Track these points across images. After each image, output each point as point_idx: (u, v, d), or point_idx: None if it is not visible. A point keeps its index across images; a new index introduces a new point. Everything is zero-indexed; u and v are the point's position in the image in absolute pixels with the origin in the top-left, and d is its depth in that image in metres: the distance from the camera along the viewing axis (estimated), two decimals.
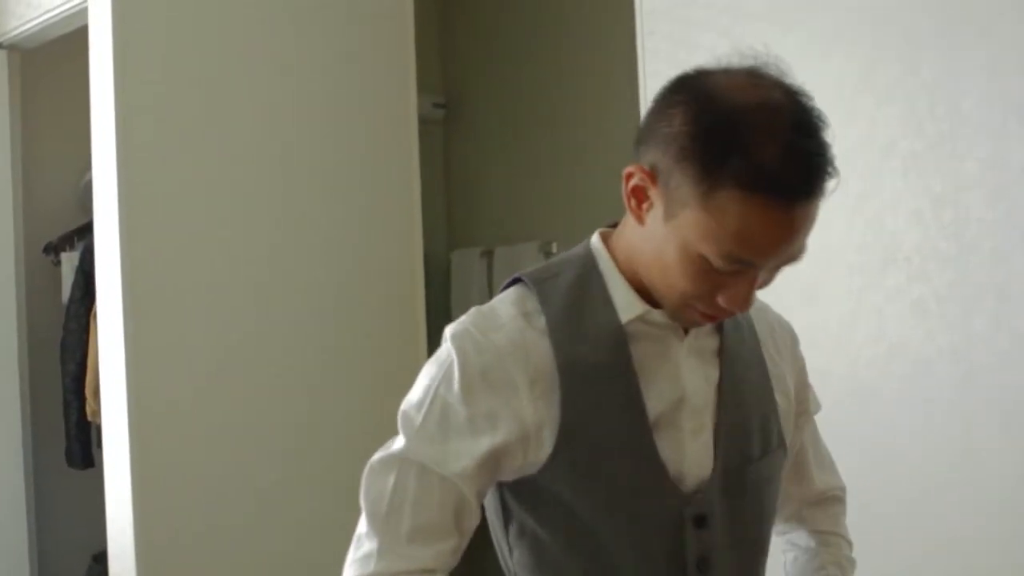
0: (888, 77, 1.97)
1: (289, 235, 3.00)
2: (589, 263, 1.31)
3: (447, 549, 1.26)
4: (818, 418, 2.03)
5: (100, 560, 3.41)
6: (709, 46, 2.28)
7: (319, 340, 3.02)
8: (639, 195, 1.21)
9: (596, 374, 1.24)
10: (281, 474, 2.92)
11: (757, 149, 1.10)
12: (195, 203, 2.84)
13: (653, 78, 2.40)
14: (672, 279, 1.20)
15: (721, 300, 1.20)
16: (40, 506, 3.84)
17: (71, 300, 3.67)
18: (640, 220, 1.22)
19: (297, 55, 3.06)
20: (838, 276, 2.05)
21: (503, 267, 3.83)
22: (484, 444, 1.23)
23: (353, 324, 3.08)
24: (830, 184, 1.12)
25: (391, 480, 1.25)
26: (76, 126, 3.15)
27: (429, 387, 1.26)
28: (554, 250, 3.67)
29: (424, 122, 3.59)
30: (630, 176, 1.20)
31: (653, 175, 1.18)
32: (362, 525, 1.27)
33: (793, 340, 1.46)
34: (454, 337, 1.26)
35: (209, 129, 2.87)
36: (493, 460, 1.24)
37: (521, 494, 1.29)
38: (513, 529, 1.33)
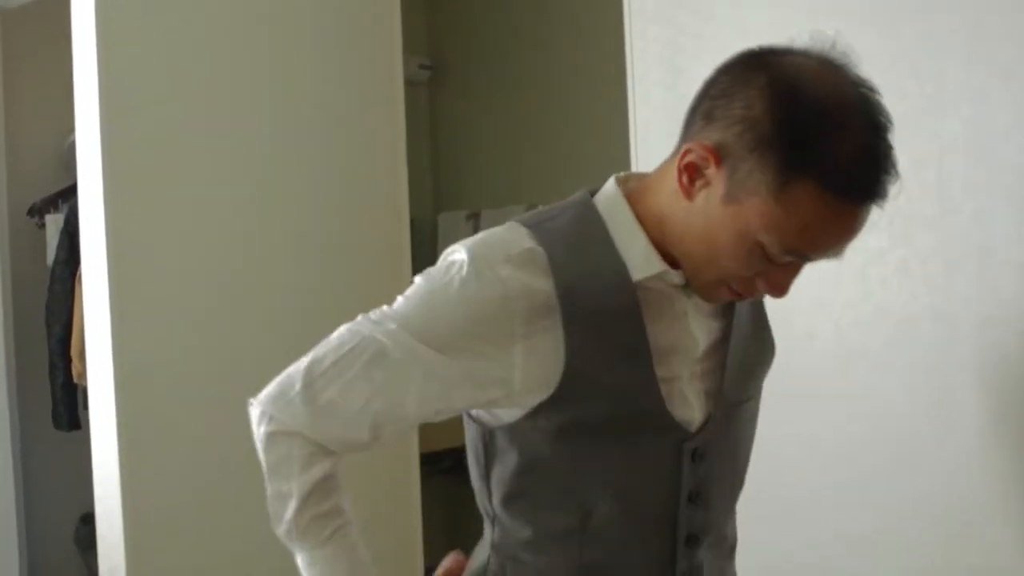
0: (870, 37, 1.97)
1: (274, 197, 2.99)
2: (588, 209, 1.30)
3: (352, 439, 1.29)
4: (804, 380, 2.05)
5: (88, 521, 3.42)
6: (696, 2, 2.28)
7: (306, 304, 3.01)
8: (692, 172, 1.19)
9: (601, 316, 1.24)
10: None
11: (840, 149, 1.11)
12: (179, 165, 2.82)
13: (640, 39, 2.39)
14: (719, 260, 1.21)
15: (761, 285, 1.23)
16: (27, 469, 3.85)
17: (56, 262, 3.66)
18: (689, 197, 1.20)
19: (281, 14, 3.04)
20: None
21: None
22: (457, 367, 1.24)
23: (339, 287, 3.08)
24: (894, 189, 1.14)
25: (346, 348, 1.27)
26: (59, 87, 3.13)
27: (422, 295, 1.27)
28: None
29: (410, 84, 3.58)
30: (688, 152, 1.18)
31: (717, 155, 1.16)
32: (304, 361, 1.29)
33: None
34: (467, 262, 1.24)
35: (192, 90, 2.85)
36: (458, 386, 1.25)
37: (513, 435, 1.30)
38: (496, 472, 1.34)
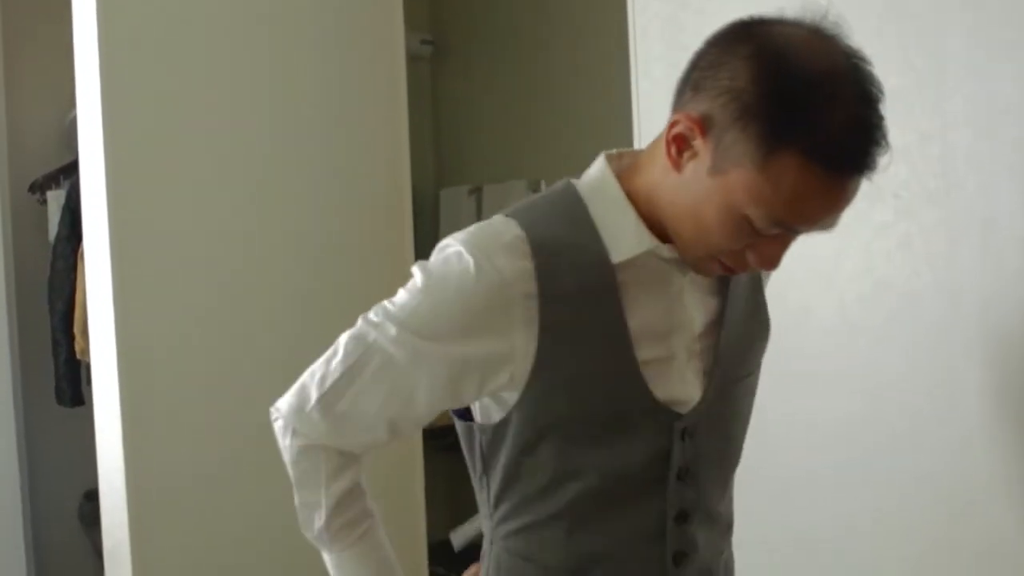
0: (873, 14, 1.96)
1: (276, 174, 2.98)
2: (568, 194, 1.30)
3: (372, 441, 1.34)
4: (804, 356, 2.05)
5: (91, 498, 3.43)
6: None
7: (307, 280, 3.01)
8: (680, 143, 1.18)
9: (578, 296, 1.24)
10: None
11: (826, 119, 1.09)
12: (180, 140, 2.81)
13: (642, 15, 2.38)
14: (706, 233, 1.20)
15: (751, 258, 1.21)
16: (31, 445, 3.86)
17: (58, 239, 3.66)
18: (677, 168, 1.20)
19: None
20: None
21: (492, 205, 3.83)
22: (462, 359, 1.25)
23: (341, 263, 3.08)
24: (884, 160, 1.12)
25: (352, 359, 1.30)
26: (61, 63, 3.12)
27: (422, 291, 1.27)
28: (543, 188, 3.66)
29: (412, 59, 3.56)
30: (676, 123, 1.18)
31: (703, 126, 1.15)
32: (317, 372, 1.33)
33: None
34: (464, 254, 1.24)
35: (192, 65, 2.84)
36: (465, 378, 1.26)
37: (502, 430, 1.31)
38: (489, 467, 1.35)
